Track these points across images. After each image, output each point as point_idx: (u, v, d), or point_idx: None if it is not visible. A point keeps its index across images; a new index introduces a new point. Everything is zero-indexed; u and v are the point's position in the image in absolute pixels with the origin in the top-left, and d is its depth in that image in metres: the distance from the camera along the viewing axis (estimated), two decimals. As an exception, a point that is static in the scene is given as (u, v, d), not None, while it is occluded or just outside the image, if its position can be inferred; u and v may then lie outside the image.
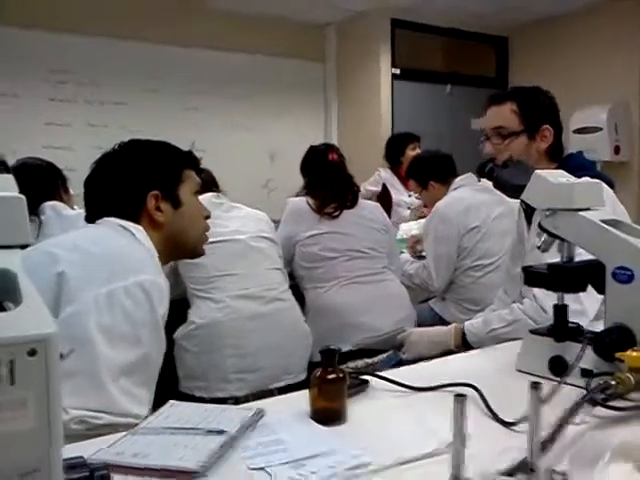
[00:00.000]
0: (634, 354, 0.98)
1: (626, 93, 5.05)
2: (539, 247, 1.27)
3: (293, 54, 5.26)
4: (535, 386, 0.71)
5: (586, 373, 1.10)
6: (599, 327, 1.20)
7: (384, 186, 4.34)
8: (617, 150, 4.96)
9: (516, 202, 1.78)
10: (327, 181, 2.57)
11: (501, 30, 5.86)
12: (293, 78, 5.31)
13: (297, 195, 2.69)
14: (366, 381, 1.17)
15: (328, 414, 1.00)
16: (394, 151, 4.37)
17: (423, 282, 2.68)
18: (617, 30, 5.09)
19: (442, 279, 2.62)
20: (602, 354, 1.08)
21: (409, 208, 3.94)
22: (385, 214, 2.76)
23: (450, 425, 0.67)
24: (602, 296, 1.18)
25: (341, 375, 1.01)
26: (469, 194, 2.67)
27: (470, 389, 1.08)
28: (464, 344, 1.69)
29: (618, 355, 1.00)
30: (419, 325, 2.46)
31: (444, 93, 5.73)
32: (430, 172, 2.83)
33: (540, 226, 1.25)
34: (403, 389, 1.15)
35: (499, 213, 2.60)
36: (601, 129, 4.93)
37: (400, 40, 5.29)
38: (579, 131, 5.01)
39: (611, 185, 1.77)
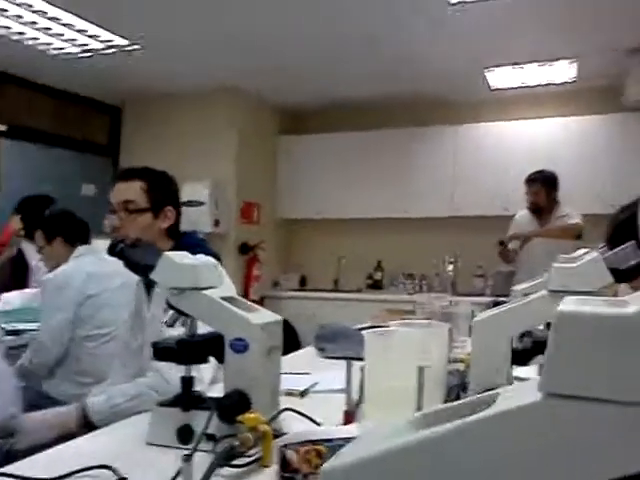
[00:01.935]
0: (251, 416, 1.14)
1: (225, 172, 5.68)
2: (166, 322, 1.37)
3: None
4: (186, 459, 0.79)
5: (210, 437, 1.22)
6: (214, 391, 1.34)
7: (19, 250, 4.02)
8: (217, 223, 5.51)
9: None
10: None
11: (115, 99, 5.98)
12: None
13: None
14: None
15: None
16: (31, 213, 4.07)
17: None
18: (222, 115, 5.72)
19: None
20: (224, 418, 1.22)
21: None
22: None
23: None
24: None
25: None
26: (92, 262, 2.67)
27: (106, 470, 1.08)
28: (86, 424, 1.64)
29: (239, 418, 1.15)
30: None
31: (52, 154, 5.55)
32: (60, 229, 2.76)
33: (168, 303, 1.35)
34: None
35: (120, 284, 2.63)
36: (204, 203, 5.42)
37: (8, 95, 4.99)
38: (185, 204, 5.39)
39: (219, 260, 2.00)
